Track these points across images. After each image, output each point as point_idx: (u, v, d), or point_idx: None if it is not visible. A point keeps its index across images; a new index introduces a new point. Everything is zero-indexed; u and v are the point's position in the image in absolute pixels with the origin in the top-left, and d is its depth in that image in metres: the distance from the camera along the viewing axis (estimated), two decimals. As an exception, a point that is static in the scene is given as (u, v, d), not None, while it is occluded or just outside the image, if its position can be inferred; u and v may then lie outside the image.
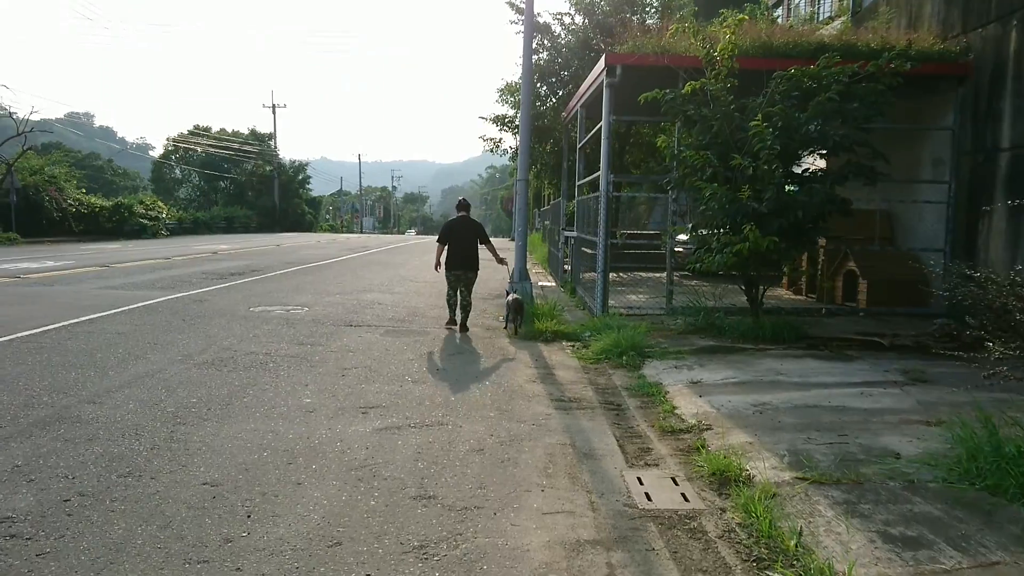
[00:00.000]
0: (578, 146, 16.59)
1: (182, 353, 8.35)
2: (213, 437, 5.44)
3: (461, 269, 10.83)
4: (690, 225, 9.51)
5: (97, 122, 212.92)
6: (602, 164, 11.91)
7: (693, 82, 9.47)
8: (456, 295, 10.90)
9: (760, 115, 8.64)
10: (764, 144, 8.53)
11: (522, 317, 10.59)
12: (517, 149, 27.84)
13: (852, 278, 12.64)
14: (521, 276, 11.99)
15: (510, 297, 10.90)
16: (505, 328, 10.96)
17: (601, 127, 14.05)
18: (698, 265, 9.65)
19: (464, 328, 10.68)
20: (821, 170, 9.82)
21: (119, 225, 39.93)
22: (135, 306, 11.80)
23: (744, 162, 8.59)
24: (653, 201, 34.11)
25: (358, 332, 10.21)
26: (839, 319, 11.47)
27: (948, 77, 11.57)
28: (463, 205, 11.75)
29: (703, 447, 5.51)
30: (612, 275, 19.54)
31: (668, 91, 10.00)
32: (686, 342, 9.48)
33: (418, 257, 27.59)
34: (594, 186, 20.75)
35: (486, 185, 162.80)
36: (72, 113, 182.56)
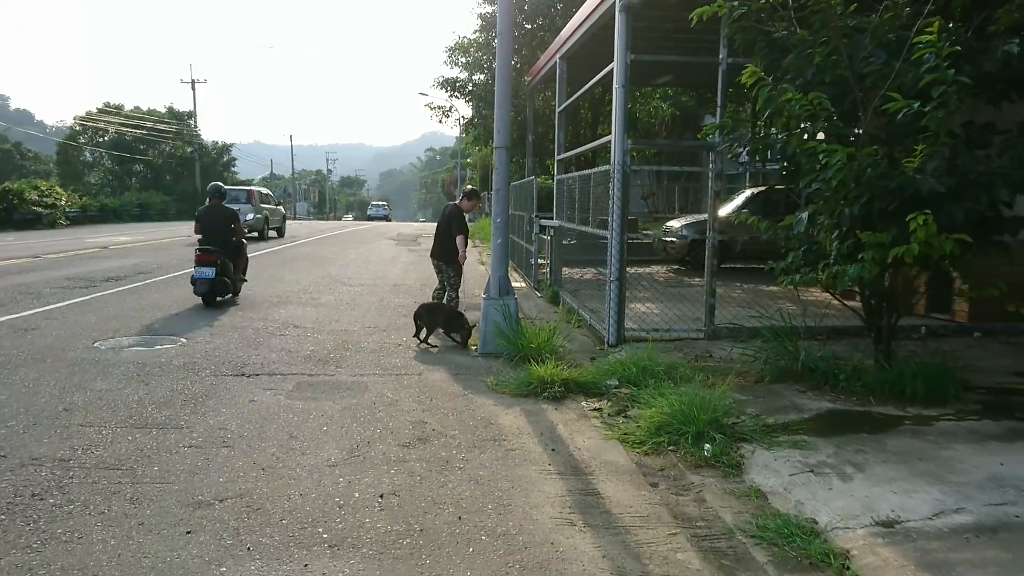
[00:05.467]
0: (557, 110, 12.92)
1: None
2: None
3: (434, 258, 9.58)
4: (804, 215, 5.85)
5: (13, 105, 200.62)
6: (615, 127, 8.27)
7: (788, -17, 5.86)
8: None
9: (936, 25, 5.03)
10: (945, 77, 4.95)
11: (427, 329, 8.46)
12: (471, 119, 24.16)
13: (943, 280, 9.27)
14: (501, 289, 8.24)
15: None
16: (421, 343, 8.46)
17: (592, 85, 10.42)
18: (796, 277, 6.08)
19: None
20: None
21: (7, 214, 34.65)
22: (-93, 345, 7.68)
23: (913, 107, 4.98)
24: (604, 182, 30.73)
25: (251, 389, 6.36)
26: (954, 342, 8.07)
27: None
28: (464, 193, 9.99)
29: None
30: (575, 269, 15.98)
31: (736, 2, 6.37)
32: (784, 402, 5.92)
33: (354, 248, 23.60)
34: (576, 162, 17.11)
35: (425, 168, 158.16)
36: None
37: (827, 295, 7.83)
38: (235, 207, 13.32)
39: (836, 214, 5.47)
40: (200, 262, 10.57)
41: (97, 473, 4.39)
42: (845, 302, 6.80)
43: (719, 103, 8.35)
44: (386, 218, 59.89)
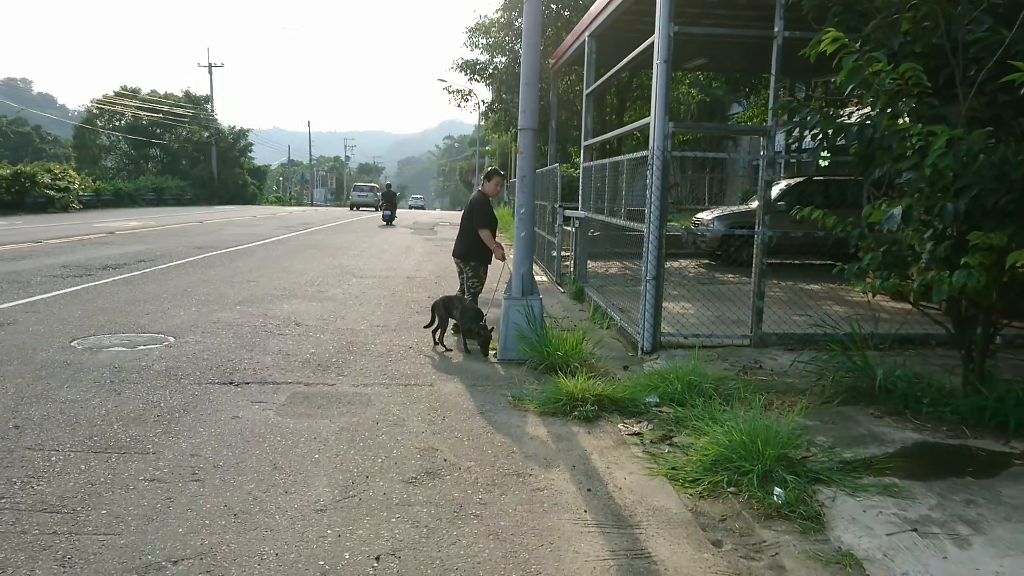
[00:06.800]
0: (584, 93, 11.97)
1: None
2: None
3: (455, 256, 8.29)
4: (896, 210, 4.84)
5: (36, 88, 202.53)
6: (656, 108, 7.34)
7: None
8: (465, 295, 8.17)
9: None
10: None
11: (440, 326, 7.62)
12: (491, 103, 23.22)
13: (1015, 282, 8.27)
14: (525, 288, 7.37)
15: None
16: (436, 344, 7.61)
17: (628, 61, 9.48)
18: (876, 283, 5.16)
19: (464, 346, 7.62)
20: None
21: (19, 197, 34.12)
22: None
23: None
24: (634, 170, 29.75)
25: (237, 401, 5.53)
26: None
27: None
28: (484, 174, 8.52)
29: None
30: (599, 263, 15.05)
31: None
32: (860, 431, 5.01)
33: (368, 237, 22.81)
34: (600, 150, 16.16)
35: (443, 156, 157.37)
36: (8, 79, 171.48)
37: (879, 296, 6.94)
38: (364, 195, 49.88)
39: (937, 210, 4.53)
40: (385, 209, 30.38)
41: (31, 518, 3.57)
42: (924, 309, 5.88)
43: (772, 82, 7.41)
44: (422, 207, 74.42)
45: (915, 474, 4.28)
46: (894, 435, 4.92)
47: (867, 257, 5.29)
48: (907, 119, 4.96)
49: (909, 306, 5.96)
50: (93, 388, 5.74)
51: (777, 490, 4.06)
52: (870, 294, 5.36)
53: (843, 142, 5.50)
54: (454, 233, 8.39)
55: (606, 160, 10.59)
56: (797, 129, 6.18)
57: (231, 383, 6.03)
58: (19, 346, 6.97)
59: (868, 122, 5.33)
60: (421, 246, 19.91)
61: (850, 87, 4.78)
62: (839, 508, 3.91)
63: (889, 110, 4.84)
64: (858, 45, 5.11)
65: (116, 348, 7.05)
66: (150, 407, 5.34)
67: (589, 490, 4.19)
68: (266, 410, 5.37)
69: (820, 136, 5.73)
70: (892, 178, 5.16)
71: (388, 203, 30.80)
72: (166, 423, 5.01)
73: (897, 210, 4.63)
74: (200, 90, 65.75)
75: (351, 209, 49.63)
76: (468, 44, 21.02)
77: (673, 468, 4.50)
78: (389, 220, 30.14)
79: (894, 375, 5.49)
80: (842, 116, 5.55)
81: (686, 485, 4.28)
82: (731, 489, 4.20)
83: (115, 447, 4.54)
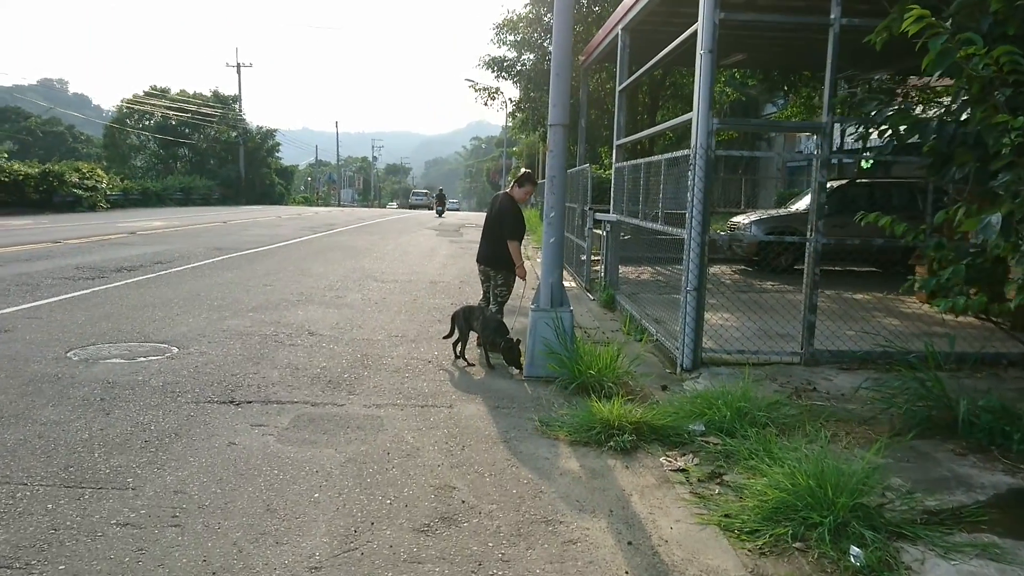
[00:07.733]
0: (617, 89, 11.34)
1: None
2: None
3: (481, 263, 7.71)
4: (994, 218, 4.10)
5: (72, 89, 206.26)
6: (699, 103, 6.68)
7: None
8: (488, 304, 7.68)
9: None
10: None
11: (461, 339, 7.07)
12: (519, 101, 22.63)
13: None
14: (554, 298, 6.76)
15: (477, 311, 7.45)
16: (456, 358, 7.07)
17: (667, 53, 8.83)
18: (960, 301, 4.49)
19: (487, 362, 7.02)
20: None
21: (47, 196, 34.21)
22: None
23: None
24: (670, 171, 28.90)
25: (235, 424, 4.99)
26: None
27: None
28: (516, 178, 7.80)
29: None
30: (630, 267, 14.43)
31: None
32: (941, 472, 4.35)
33: (393, 239, 22.33)
34: (631, 150, 15.53)
35: (471, 157, 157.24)
36: (45, 79, 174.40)
37: (926, 306, 6.25)
38: (420, 199, 71.32)
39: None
40: (438, 207, 42.15)
41: (-25, 574, 3.05)
42: (1002, 326, 5.20)
43: (828, 74, 6.76)
44: (457, 209, 79.57)
45: (1016, 531, 3.63)
46: (983, 478, 4.25)
47: (947, 271, 4.61)
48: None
49: (972, 320, 5.29)
50: (80, 407, 5.24)
51: (854, 549, 3.42)
52: (951, 312, 4.67)
53: (918, 139, 4.83)
54: (479, 235, 7.82)
55: (640, 160, 9.95)
56: (861, 126, 5.50)
57: (231, 402, 5.50)
58: (11, 357, 6.51)
59: (948, 116, 4.68)
60: (446, 248, 19.39)
61: (936, 72, 4.11)
62: (930, 574, 3.27)
63: (985, 102, 4.18)
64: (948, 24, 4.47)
65: (113, 359, 6.56)
66: (138, 431, 4.82)
67: (630, 543, 3.58)
68: (266, 435, 4.83)
69: (890, 133, 5.08)
70: (978, 180, 4.49)
71: (440, 203, 42.80)
72: (153, 451, 4.48)
73: (996, 217, 3.94)
74: (228, 90, 65.82)
75: (409, 209, 64.19)
76: (496, 41, 20.48)
77: (727, 515, 3.87)
78: (441, 214, 41.65)
79: (976, 405, 4.81)
80: (915, 110, 4.89)
81: (743, 538, 3.66)
82: (797, 545, 3.56)
83: (91, 480, 4.02)
